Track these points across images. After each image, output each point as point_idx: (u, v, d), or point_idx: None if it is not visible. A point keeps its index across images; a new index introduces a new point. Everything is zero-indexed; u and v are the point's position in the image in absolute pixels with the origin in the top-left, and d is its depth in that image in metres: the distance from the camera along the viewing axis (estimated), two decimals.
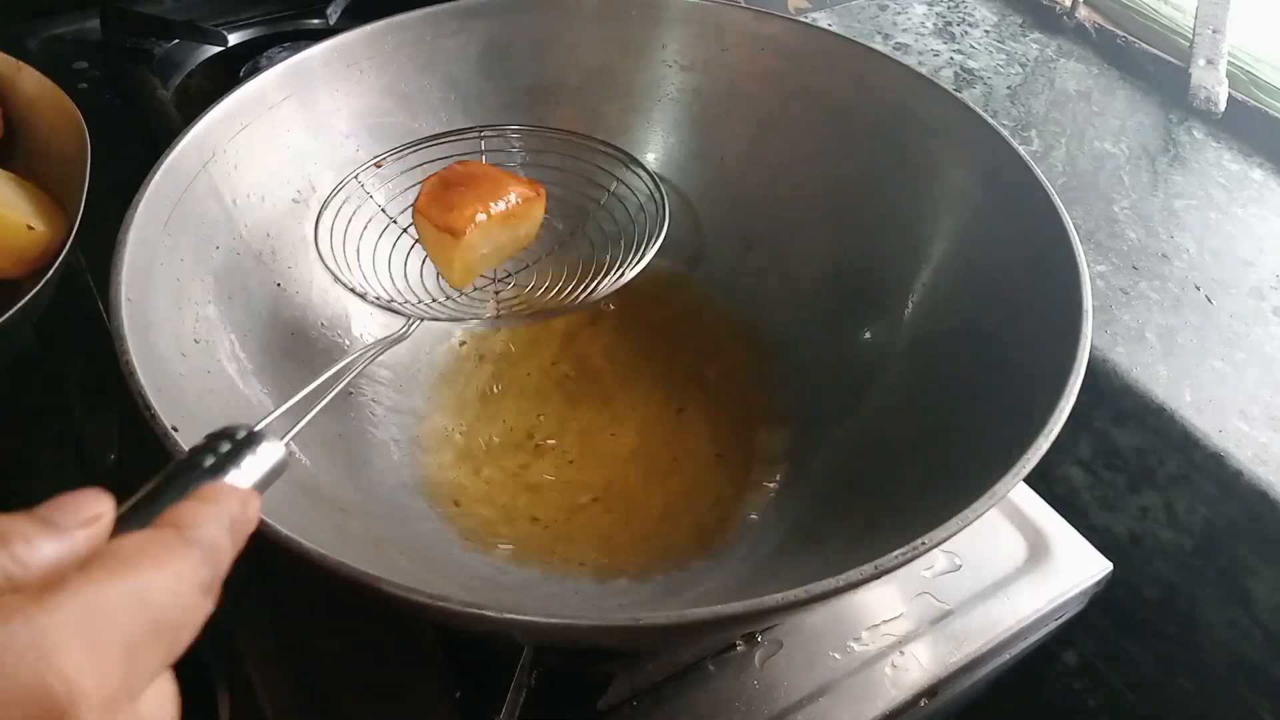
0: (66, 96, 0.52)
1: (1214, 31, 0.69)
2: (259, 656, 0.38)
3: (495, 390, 0.48)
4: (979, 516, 0.28)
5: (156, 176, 0.38)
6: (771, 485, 0.45)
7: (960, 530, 0.28)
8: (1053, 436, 0.31)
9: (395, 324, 0.48)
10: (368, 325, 0.47)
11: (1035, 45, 0.77)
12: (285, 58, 0.45)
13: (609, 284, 0.43)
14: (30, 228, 0.47)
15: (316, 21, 0.69)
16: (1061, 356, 0.34)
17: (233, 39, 0.66)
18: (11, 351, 0.55)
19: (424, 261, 0.46)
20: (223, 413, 0.36)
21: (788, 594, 0.26)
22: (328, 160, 0.47)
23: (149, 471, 0.44)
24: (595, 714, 0.38)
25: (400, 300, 0.43)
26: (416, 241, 0.45)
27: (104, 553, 0.20)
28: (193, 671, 0.38)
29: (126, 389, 0.31)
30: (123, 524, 0.21)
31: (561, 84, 0.52)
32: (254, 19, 0.68)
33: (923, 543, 0.27)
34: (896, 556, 0.27)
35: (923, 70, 0.48)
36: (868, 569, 0.27)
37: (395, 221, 0.47)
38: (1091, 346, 0.35)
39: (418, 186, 0.45)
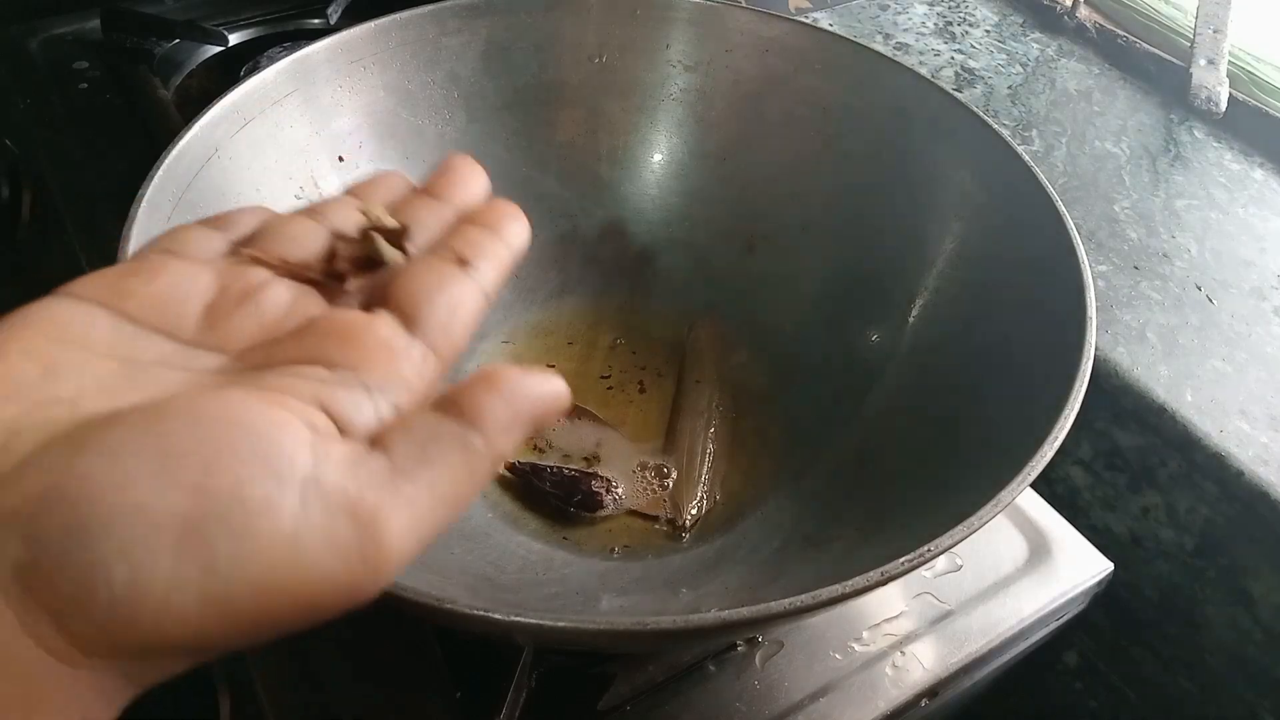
0: None
1: (1215, 31, 0.69)
2: (259, 656, 0.38)
3: None
4: (985, 524, 0.28)
5: (160, 172, 0.38)
6: (772, 487, 0.45)
7: (966, 537, 0.28)
8: (1058, 444, 0.31)
9: None
10: None
11: (1036, 45, 0.77)
12: (286, 56, 0.45)
13: None
14: None
15: (317, 21, 0.69)
16: (1065, 362, 0.34)
17: (233, 39, 0.66)
18: None
19: None
20: None
21: (794, 600, 0.26)
22: (330, 157, 0.47)
23: None
24: (595, 714, 0.38)
25: None
26: None
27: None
28: (193, 671, 0.38)
29: None
30: None
31: (564, 83, 0.52)
32: (254, 19, 0.68)
33: (929, 549, 0.27)
34: (903, 563, 0.27)
35: (923, 70, 0.48)
36: (874, 575, 0.26)
37: None
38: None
39: None
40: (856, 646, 0.41)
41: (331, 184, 0.46)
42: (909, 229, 0.47)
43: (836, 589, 0.26)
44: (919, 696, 0.40)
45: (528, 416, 0.20)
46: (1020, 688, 0.49)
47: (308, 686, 0.37)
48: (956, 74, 0.73)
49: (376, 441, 0.19)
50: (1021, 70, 0.74)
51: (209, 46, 0.66)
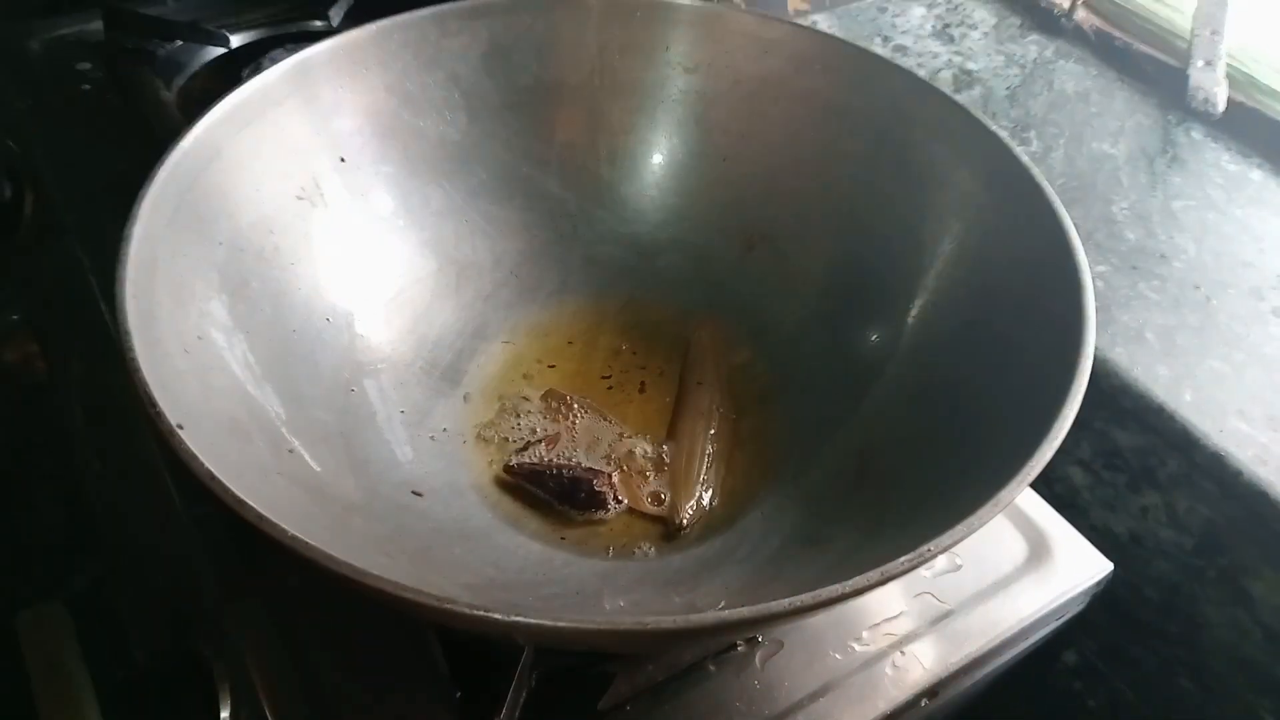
0: None
1: (1212, 33, 0.69)
2: (259, 656, 0.38)
3: (496, 388, 0.49)
4: (985, 523, 0.28)
5: (162, 173, 0.38)
6: (772, 487, 0.45)
7: (966, 537, 0.28)
8: (1057, 444, 0.31)
9: (399, 322, 0.48)
10: (371, 323, 0.47)
11: (1034, 47, 0.77)
12: (288, 58, 0.45)
13: None
14: None
15: (319, 23, 0.69)
16: (1065, 363, 0.34)
17: (235, 40, 0.66)
18: (12, 354, 0.55)
19: None
20: (226, 410, 0.36)
21: (794, 599, 0.26)
22: (331, 157, 0.47)
23: (148, 473, 0.44)
24: (595, 714, 0.38)
25: None
26: None
27: None
28: (193, 671, 0.39)
29: (129, 387, 0.31)
30: None
31: (564, 84, 0.52)
32: (257, 20, 0.68)
33: (929, 549, 0.27)
34: (903, 563, 0.27)
35: (921, 72, 0.48)
36: (874, 575, 0.27)
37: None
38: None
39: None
40: (856, 646, 0.41)
41: (332, 184, 0.46)
42: (909, 229, 0.47)
43: (836, 589, 0.26)
44: (919, 696, 0.40)
45: None
46: (1020, 688, 0.49)
47: (307, 686, 0.37)
48: (955, 76, 0.73)
49: None
50: (1019, 72, 0.74)
51: (211, 48, 0.66)
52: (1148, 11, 0.78)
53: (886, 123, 0.48)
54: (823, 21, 0.77)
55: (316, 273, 0.45)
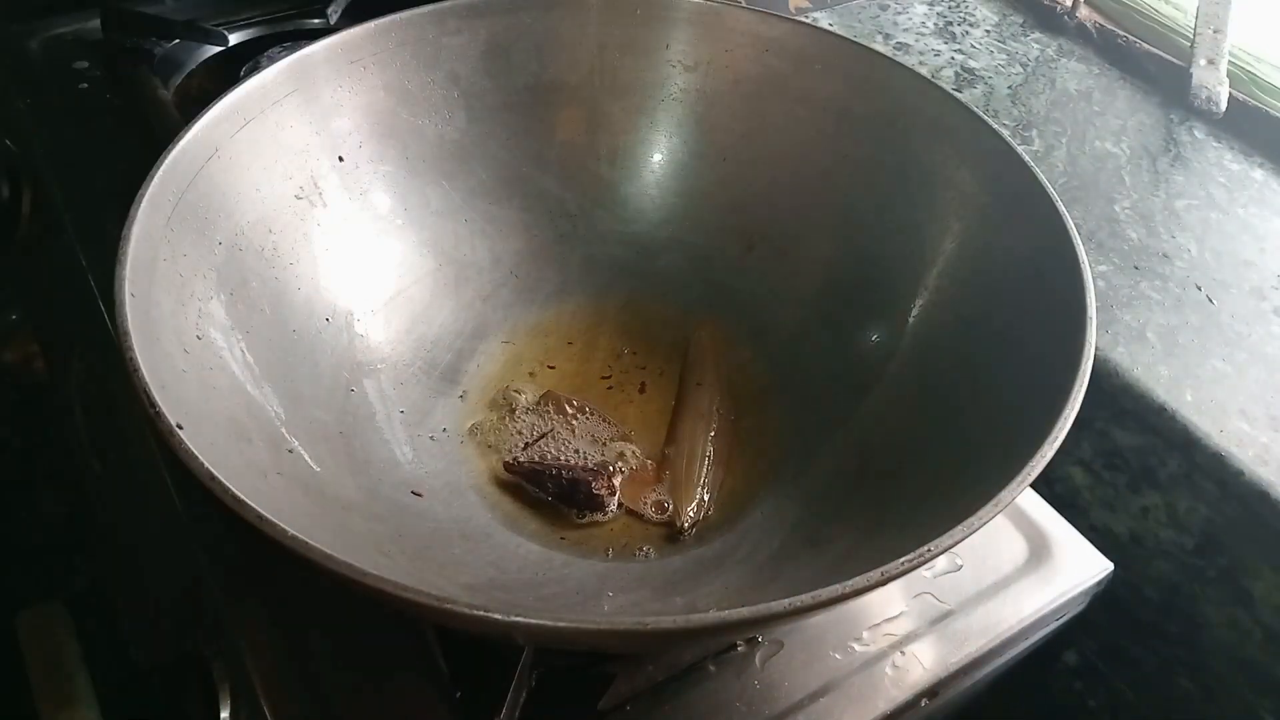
0: None
1: (1215, 31, 0.69)
2: (259, 656, 0.38)
3: (496, 389, 0.48)
4: (985, 524, 0.28)
5: (160, 172, 0.38)
6: (772, 487, 0.45)
7: (966, 537, 0.28)
8: (1058, 444, 0.31)
9: (399, 322, 0.48)
10: (371, 323, 0.47)
11: (1036, 45, 0.77)
12: (286, 57, 0.45)
13: None
14: None
15: (317, 21, 0.69)
16: (1065, 362, 0.34)
17: (233, 39, 0.66)
18: (12, 354, 0.55)
19: None
20: (226, 410, 0.36)
21: (794, 600, 0.26)
22: (330, 156, 0.47)
23: (148, 473, 0.44)
24: (595, 714, 0.38)
25: None
26: None
27: None
28: (193, 671, 0.39)
29: (129, 387, 0.31)
30: None
31: (564, 83, 0.52)
32: (255, 19, 0.68)
33: (929, 549, 0.27)
34: (903, 563, 0.27)
35: (923, 70, 0.48)
36: (874, 575, 0.27)
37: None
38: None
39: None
40: (856, 646, 0.41)
41: (331, 184, 0.46)
42: (909, 229, 0.47)
43: (836, 589, 0.26)
44: (919, 696, 0.40)
45: None
46: (1020, 688, 0.49)
47: (307, 687, 0.37)
48: (956, 74, 0.73)
49: None
50: (1021, 70, 0.74)
51: (209, 46, 0.66)
52: (1150, 9, 0.78)
53: (888, 121, 0.48)
54: (824, 19, 0.77)
55: (316, 272, 0.45)
